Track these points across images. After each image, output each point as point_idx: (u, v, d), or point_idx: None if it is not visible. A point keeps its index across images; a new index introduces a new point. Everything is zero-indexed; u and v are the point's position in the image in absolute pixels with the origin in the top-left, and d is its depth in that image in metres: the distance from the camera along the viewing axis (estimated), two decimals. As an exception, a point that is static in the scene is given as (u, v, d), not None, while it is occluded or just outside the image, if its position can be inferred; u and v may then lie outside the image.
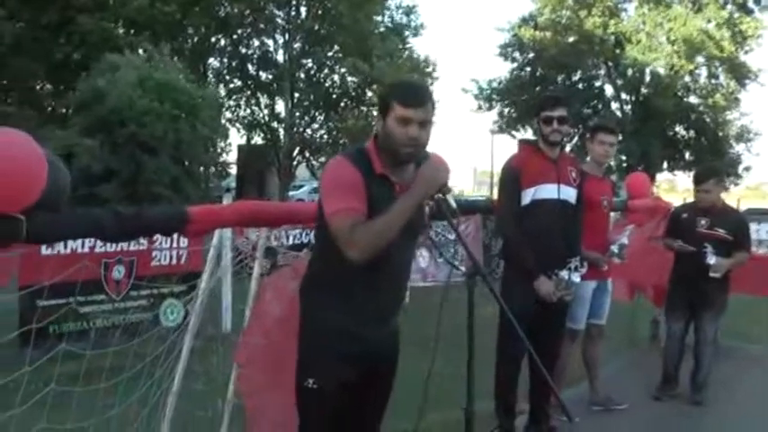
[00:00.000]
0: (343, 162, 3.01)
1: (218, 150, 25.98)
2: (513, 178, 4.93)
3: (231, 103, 34.30)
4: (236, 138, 34.20)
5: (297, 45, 33.19)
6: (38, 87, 29.32)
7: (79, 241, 6.81)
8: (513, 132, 41.50)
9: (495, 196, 5.43)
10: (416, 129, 2.95)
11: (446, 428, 4.84)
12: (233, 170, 30.77)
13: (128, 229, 3.07)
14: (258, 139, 34.15)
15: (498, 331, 4.91)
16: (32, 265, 6.05)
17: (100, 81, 16.71)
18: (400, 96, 2.98)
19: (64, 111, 27.30)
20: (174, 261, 7.99)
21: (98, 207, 3.31)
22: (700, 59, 36.84)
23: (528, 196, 4.87)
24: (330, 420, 3.09)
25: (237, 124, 34.41)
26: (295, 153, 33.60)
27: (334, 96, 33.19)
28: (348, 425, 3.17)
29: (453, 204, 3.02)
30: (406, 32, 35.62)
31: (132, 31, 28.18)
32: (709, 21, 36.16)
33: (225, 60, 34.61)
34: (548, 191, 4.90)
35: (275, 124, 33.84)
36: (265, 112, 34.22)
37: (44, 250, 6.57)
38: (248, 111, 34.64)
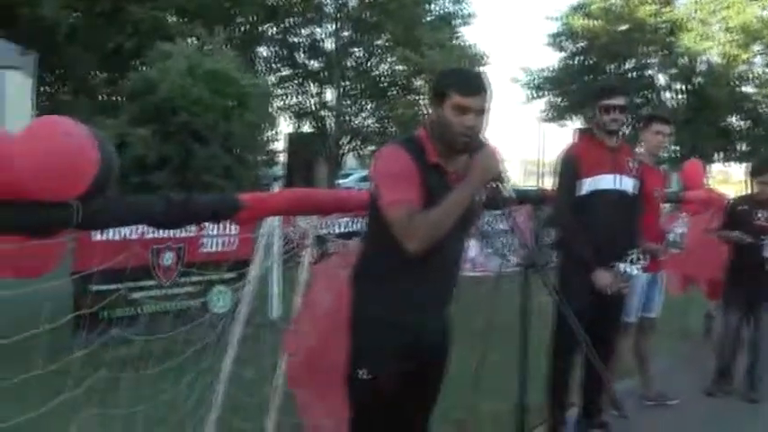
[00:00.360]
0: (397, 151, 2.98)
1: (267, 139, 26.14)
2: (570, 168, 4.84)
3: (279, 91, 34.42)
4: (285, 126, 34.35)
5: (345, 33, 33.19)
6: (90, 76, 29.72)
7: (130, 227, 6.84)
8: (565, 122, 41.12)
9: (546, 186, 5.35)
10: (473, 117, 2.93)
11: (497, 419, 4.78)
12: (281, 158, 30.93)
13: (179, 215, 3.06)
14: (307, 128, 34.26)
15: (553, 323, 4.82)
16: (85, 251, 6.10)
17: (152, 70, 16.84)
18: (458, 85, 2.94)
19: (116, 99, 27.65)
20: (224, 248, 7.99)
21: (150, 194, 3.31)
22: (756, 48, 36.06)
23: (585, 186, 4.79)
24: (381, 411, 3.06)
25: (287, 113, 34.54)
26: (344, 141, 33.66)
27: (384, 85, 33.13)
28: (399, 415, 3.14)
29: (507, 194, 2.98)
30: (456, 21, 35.39)
31: (181, 19, 28.40)
32: (765, 8, 35.34)
33: (274, 49, 34.72)
34: (606, 181, 4.81)
35: (324, 113, 33.90)
36: (314, 100, 34.29)
37: (95, 236, 6.62)
38: (297, 99, 34.74)
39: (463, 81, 2.98)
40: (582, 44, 39.52)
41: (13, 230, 2.47)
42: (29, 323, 5.33)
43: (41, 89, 26.22)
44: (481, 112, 2.95)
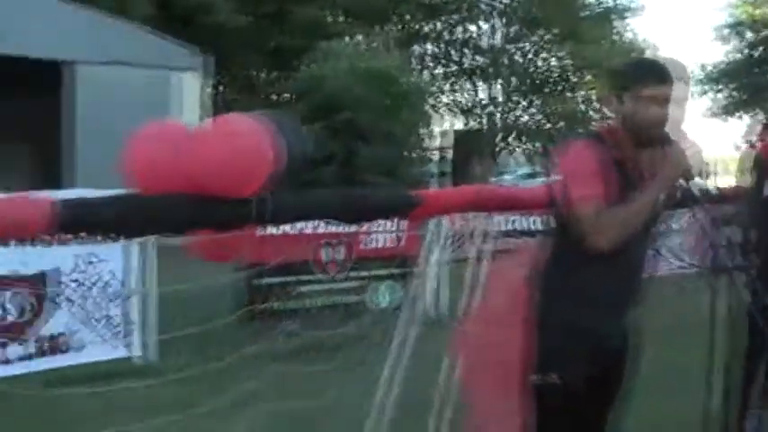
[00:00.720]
0: (584, 146, 2.89)
1: (423, 136, 26.35)
2: (761, 165, 4.53)
3: (435, 89, 34.49)
4: (440, 123, 34.43)
5: (503, 30, 32.94)
6: (255, 76, 30.76)
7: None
8: (733, 117, 39.17)
9: (718, 184, 5.05)
10: (662, 108, 2.80)
11: (680, 423, 4.54)
12: (435, 156, 31.09)
13: (356, 211, 3.05)
14: (472, 125, 34.23)
15: (740, 327, 4.50)
16: (256, 245, 6.24)
17: (316, 69, 17.31)
18: (646, 76, 2.83)
19: (278, 98, 28.57)
20: (391, 244, 8.01)
21: (316, 190, 3.31)
22: None
23: None
24: (568, 416, 2.94)
25: (452, 109, 34.62)
26: (500, 138, 33.42)
27: (549, 81, 32.66)
28: (584, 421, 3.01)
29: (699, 191, 2.82)
30: (623, 14, 34.40)
31: (347, 19, 29.00)
32: None
33: (437, 46, 34.84)
34: None
35: (482, 109, 33.77)
36: (479, 97, 34.21)
37: (264, 230, 6.75)
38: (457, 97, 34.75)
39: (650, 71, 2.86)
40: (755, 35, 37.52)
41: (196, 225, 2.53)
42: (206, 315, 5.55)
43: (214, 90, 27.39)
44: (669, 102, 2.82)
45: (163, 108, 16.88)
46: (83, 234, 4.18)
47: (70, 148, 18.44)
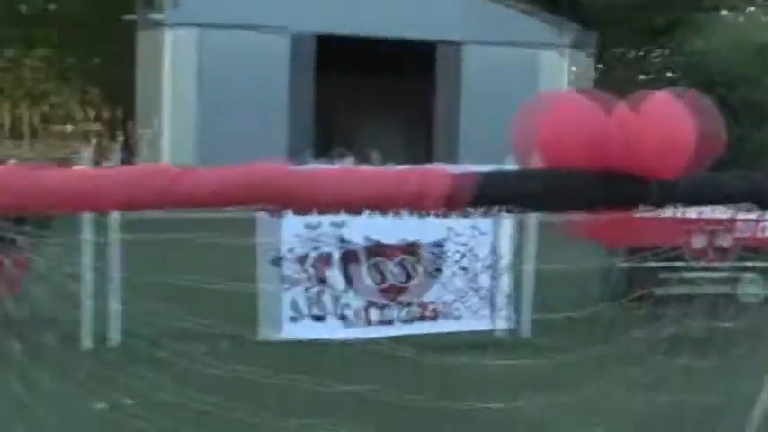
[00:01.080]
0: None
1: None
2: None
3: None
4: None
5: None
6: (622, 52, 29.86)
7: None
8: None
9: None
10: None
11: None
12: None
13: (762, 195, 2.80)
14: None
15: None
16: (634, 228, 6.10)
17: (701, 43, 16.50)
18: None
19: (645, 75, 27.48)
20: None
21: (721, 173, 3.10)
22: None
23: None
24: None
25: None
26: None
27: None
28: None
29: None
30: None
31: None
32: None
33: None
34: None
35: None
36: None
37: (640, 213, 6.55)
38: None
39: None
40: None
41: (611, 204, 2.48)
42: (574, 295, 5.44)
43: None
44: None
45: (533, 86, 17.01)
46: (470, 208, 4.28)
47: (450, 125, 19.15)
